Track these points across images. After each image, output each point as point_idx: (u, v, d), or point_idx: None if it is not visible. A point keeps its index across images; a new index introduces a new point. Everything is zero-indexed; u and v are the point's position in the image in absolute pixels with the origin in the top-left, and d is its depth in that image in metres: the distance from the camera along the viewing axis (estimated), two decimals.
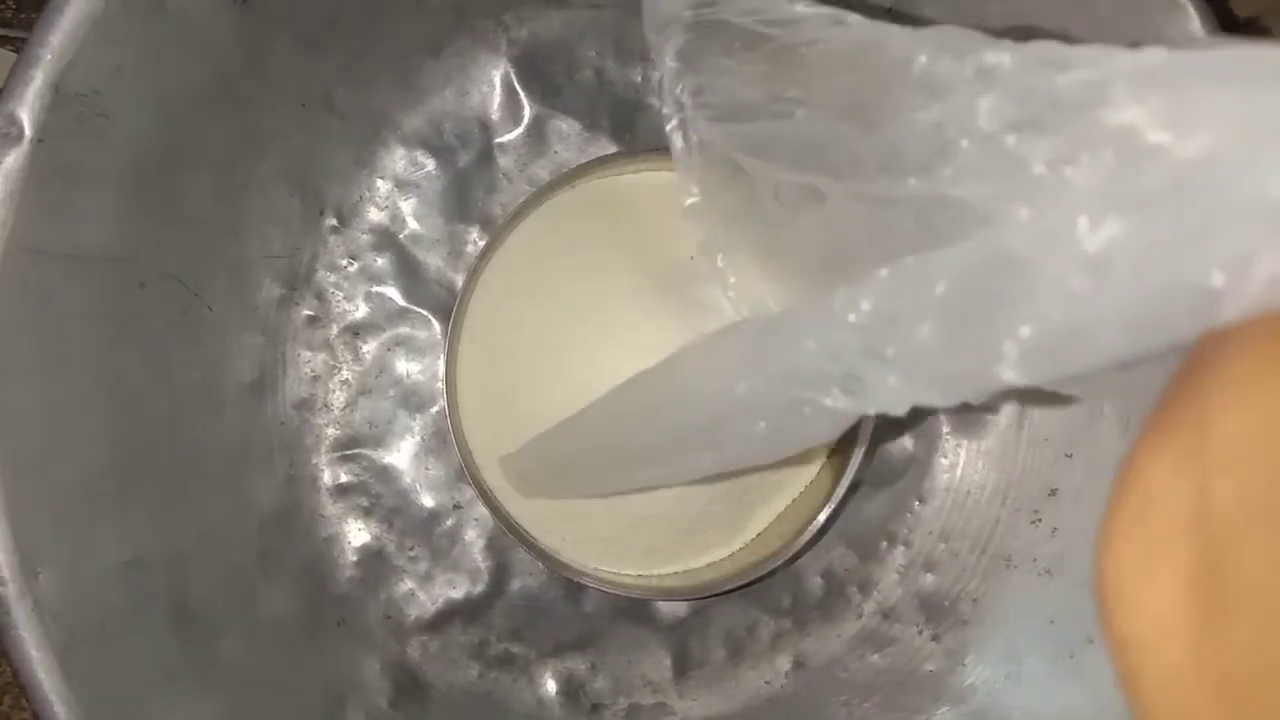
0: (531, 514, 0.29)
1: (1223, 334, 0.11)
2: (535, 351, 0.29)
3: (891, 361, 0.14)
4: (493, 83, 0.32)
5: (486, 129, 0.32)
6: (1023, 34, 0.14)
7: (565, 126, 0.32)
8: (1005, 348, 0.13)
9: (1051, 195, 0.13)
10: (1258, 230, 0.11)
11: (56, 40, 0.22)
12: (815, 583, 0.33)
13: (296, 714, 0.27)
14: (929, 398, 0.14)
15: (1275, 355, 0.11)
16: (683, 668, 0.32)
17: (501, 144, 0.32)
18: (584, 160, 0.30)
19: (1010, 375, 0.13)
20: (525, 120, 0.32)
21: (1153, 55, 0.12)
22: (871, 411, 0.15)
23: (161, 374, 0.27)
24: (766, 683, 0.32)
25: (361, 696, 0.29)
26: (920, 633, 0.32)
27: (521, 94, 0.32)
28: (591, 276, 0.29)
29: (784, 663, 0.32)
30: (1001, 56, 0.14)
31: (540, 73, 0.32)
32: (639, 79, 0.32)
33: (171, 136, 0.25)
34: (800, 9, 0.18)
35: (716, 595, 0.31)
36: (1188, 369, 0.12)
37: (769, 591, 0.32)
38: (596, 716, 0.32)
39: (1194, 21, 0.25)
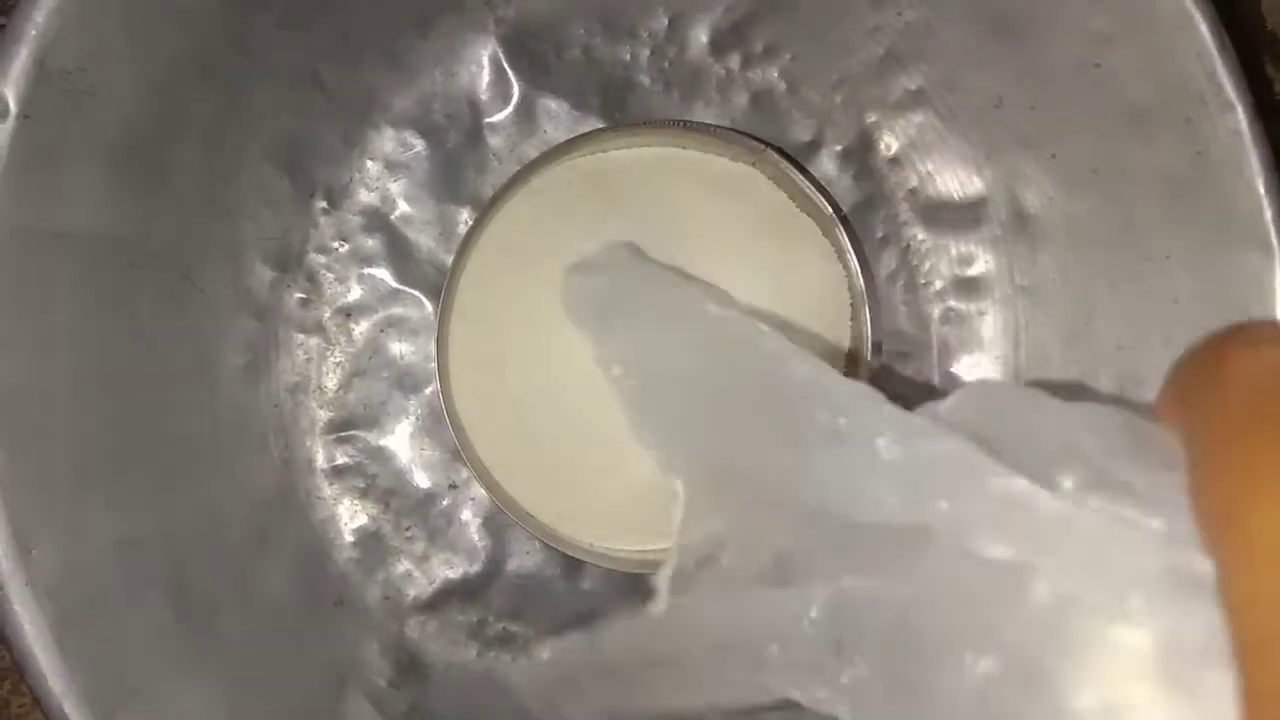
0: (528, 491, 0.29)
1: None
2: (527, 328, 0.29)
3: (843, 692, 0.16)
4: (481, 62, 0.32)
5: (475, 109, 0.32)
6: None
7: (554, 105, 0.32)
8: None
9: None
10: None
11: (41, 17, 0.22)
12: None
13: (297, 693, 0.27)
14: None
15: None
16: None
17: (491, 124, 0.32)
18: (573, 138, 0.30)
19: None
20: (514, 100, 0.32)
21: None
22: None
23: (152, 354, 0.27)
24: None
25: (361, 676, 0.29)
26: None
27: (510, 73, 0.32)
28: (582, 251, 0.29)
29: None
30: (891, 445, 0.16)
31: (528, 52, 0.32)
32: (627, 57, 0.32)
33: (158, 114, 0.25)
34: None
35: None
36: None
37: None
38: None
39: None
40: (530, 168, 0.29)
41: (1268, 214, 0.27)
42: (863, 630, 0.16)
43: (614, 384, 0.23)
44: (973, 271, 0.33)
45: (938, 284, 0.33)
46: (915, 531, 0.15)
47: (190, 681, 0.24)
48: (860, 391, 0.17)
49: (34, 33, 0.22)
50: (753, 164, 0.30)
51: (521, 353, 0.29)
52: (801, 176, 0.30)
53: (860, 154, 0.33)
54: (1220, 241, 0.27)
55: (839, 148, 0.33)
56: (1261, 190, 0.27)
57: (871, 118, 0.33)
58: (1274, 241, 0.27)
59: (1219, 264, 0.28)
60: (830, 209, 0.30)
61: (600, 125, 0.32)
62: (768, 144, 0.30)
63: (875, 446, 0.16)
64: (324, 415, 0.31)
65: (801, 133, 0.33)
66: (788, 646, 0.17)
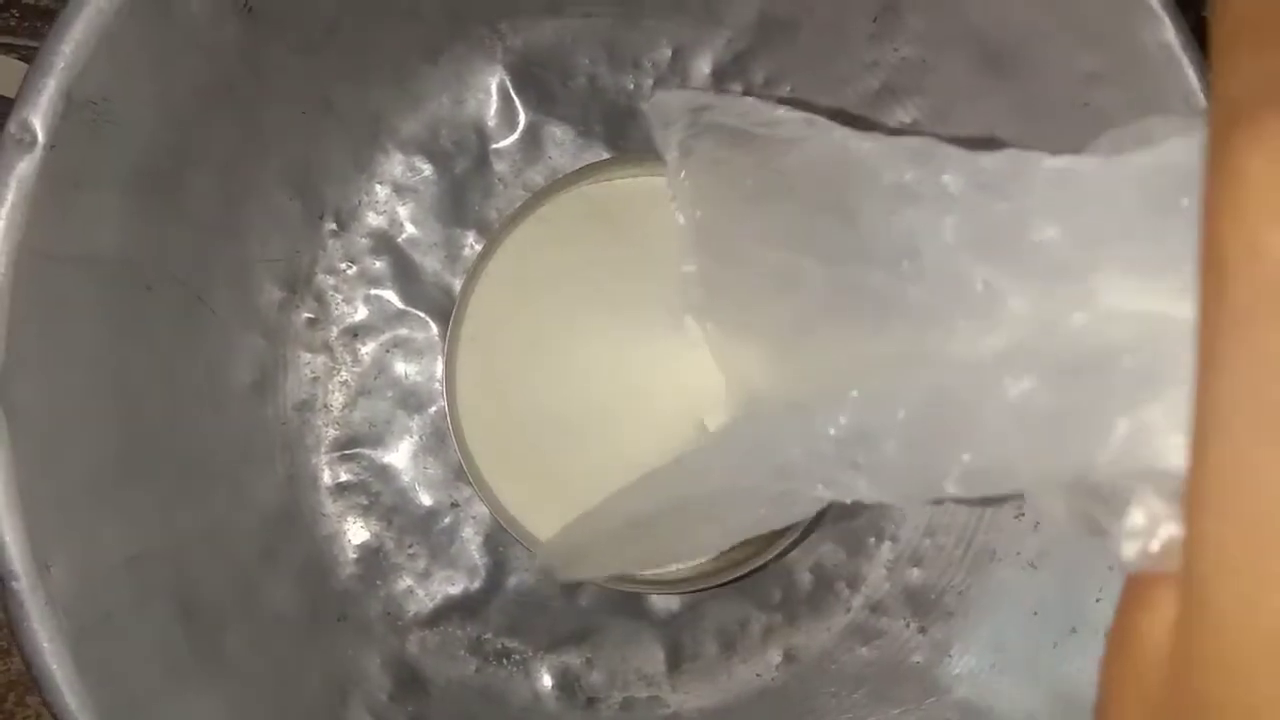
0: (530, 510, 0.30)
1: None
2: (533, 351, 0.30)
3: (862, 469, 0.18)
4: (488, 89, 0.32)
5: (482, 135, 0.33)
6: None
7: (559, 133, 0.33)
8: (951, 469, 0.16)
9: (987, 316, 0.16)
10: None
11: (68, 49, 0.22)
12: (805, 578, 0.34)
13: (301, 707, 0.28)
14: (889, 498, 0.18)
15: None
16: (676, 661, 0.33)
17: (497, 150, 0.33)
18: (578, 165, 0.31)
19: (953, 489, 0.16)
20: (520, 126, 0.33)
21: (1073, 165, 0.15)
22: (847, 500, 0.18)
23: (165, 374, 0.27)
24: (758, 675, 0.33)
25: (363, 690, 0.30)
26: (907, 625, 0.33)
27: (516, 100, 0.33)
28: (588, 278, 0.30)
29: (775, 656, 0.33)
30: (957, 179, 0.17)
31: (535, 80, 0.33)
32: (631, 86, 0.33)
33: (176, 141, 0.26)
34: (780, 113, 0.21)
35: (709, 589, 0.32)
36: None
37: (760, 587, 0.33)
38: (592, 710, 0.32)
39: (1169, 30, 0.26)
40: (537, 196, 0.30)
41: None
42: (890, 414, 0.17)
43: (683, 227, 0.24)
44: None
45: None
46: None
47: (198, 695, 0.25)
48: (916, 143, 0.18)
49: (61, 65, 0.22)
50: None
51: (527, 376, 0.30)
52: None
53: None
54: None
55: None
56: None
57: None
58: None
59: None
60: None
61: (604, 152, 0.32)
62: None
63: (942, 183, 0.17)
64: (329, 433, 0.32)
65: None
66: (813, 453, 0.18)
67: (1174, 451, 0.13)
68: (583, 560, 0.26)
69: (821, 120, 0.20)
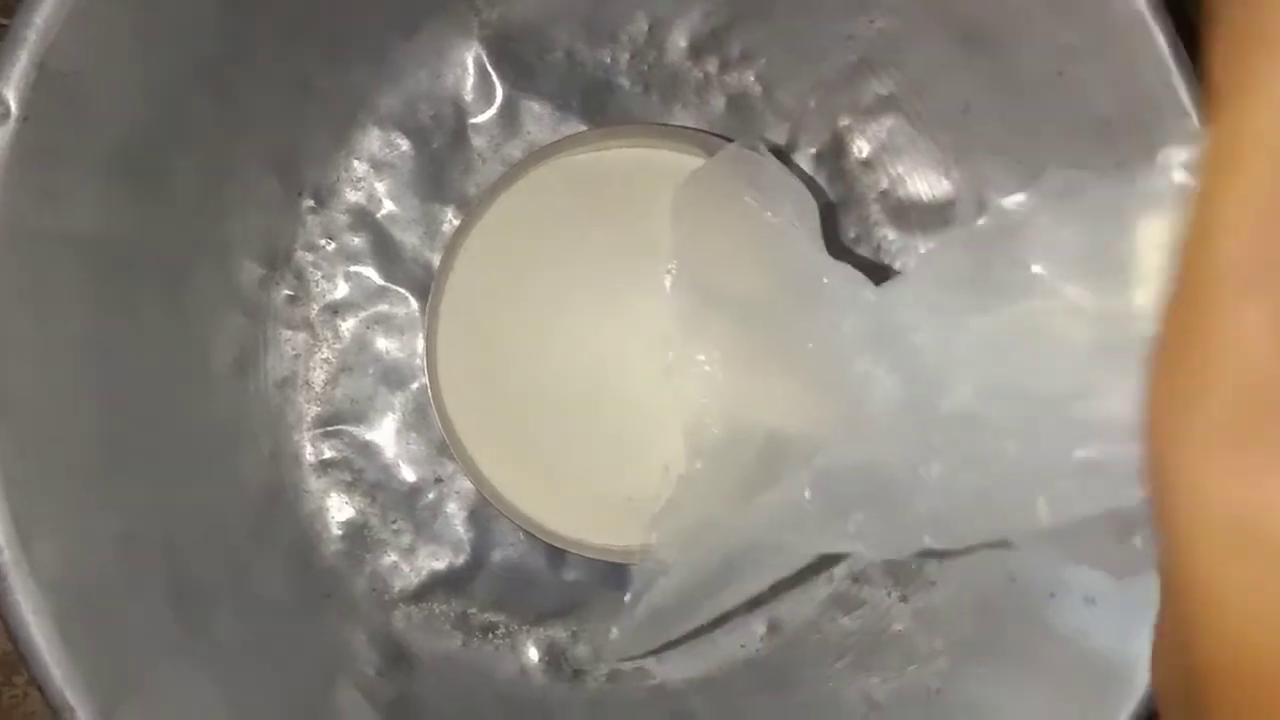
0: (514, 484, 0.30)
1: None
2: (514, 324, 0.30)
3: (854, 538, 0.21)
4: (465, 65, 0.32)
5: (460, 110, 0.33)
6: None
7: (537, 107, 0.33)
8: (919, 536, 0.20)
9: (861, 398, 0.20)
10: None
11: (41, 20, 0.22)
12: None
13: (289, 682, 0.28)
14: (884, 555, 0.22)
15: None
16: None
17: (475, 125, 0.33)
18: (556, 139, 0.31)
19: (931, 543, 0.20)
20: (498, 101, 0.33)
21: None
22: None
23: (149, 353, 0.27)
24: (742, 646, 0.33)
25: (351, 667, 0.30)
26: (889, 595, 0.33)
27: (494, 75, 0.33)
28: (569, 250, 0.30)
29: (759, 627, 0.33)
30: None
31: (512, 55, 0.33)
32: (608, 60, 0.33)
33: (155, 118, 0.26)
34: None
35: None
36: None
37: None
38: (578, 682, 0.33)
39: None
40: (516, 169, 0.30)
41: None
42: (849, 487, 0.20)
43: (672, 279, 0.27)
44: None
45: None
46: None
47: (187, 674, 0.25)
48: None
49: (34, 36, 0.22)
50: None
51: (508, 349, 0.30)
52: None
53: (833, 156, 0.34)
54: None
55: (812, 150, 0.34)
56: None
57: (844, 121, 0.34)
58: None
59: None
60: None
61: (582, 126, 0.32)
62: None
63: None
64: (312, 410, 0.32)
65: (776, 135, 0.34)
66: (799, 527, 0.21)
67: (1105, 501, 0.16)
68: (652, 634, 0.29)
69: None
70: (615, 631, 0.29)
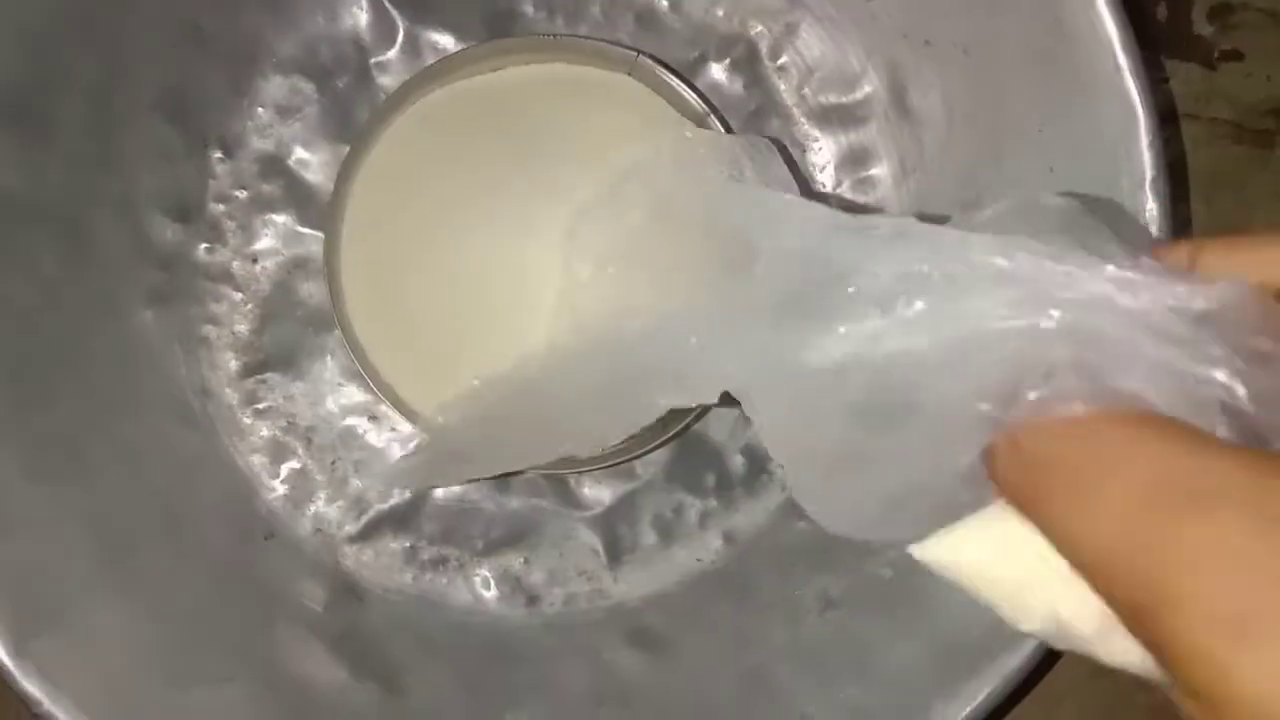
0: (429, 405, 0.30)
1: None
2: (420, 250, 0.30)
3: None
4: (361, 2, 0.32)
5: (361, 49, 0.33)
6: None
7: (439, 39, 0.33)
8: None
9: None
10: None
11: None
12: (737, 461, 0.34)
13: (229, 618, 0.28)
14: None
15: None
16: (615, 554, 0.33)
17: (379, 63, 0.33)
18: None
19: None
20: (399, 37, 0.33)
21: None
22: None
23: (56, 304, 0.27)
24: (698, 560, 0.33)
25: (294, 603, 0.30)
26: None
27: (392, 11, 0.33)
28: (471, 168, 0.30)
29: (714, 539, 0.33)
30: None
31: None
32: None
33: (36, 69, 0.26)
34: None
35: (638, 456, 0.32)
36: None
37: (692, 474, 0.33)
38: (534, 607, 0.33)
39: None
40: (405, 91, 0.30)
41: (1125, 69, 0.28)
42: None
43: None
44: (865, 168, 0.34)
45: (830, 181, 0.34)
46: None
47: (113, 606, 0.25)
48: None
49: None
50: (628, 72, 0.31)
51: (412, 269, 0.30)
52: (675, 78, 0.30)
53: (747, 64, 0.34)
54: (1085, 106, 0.28)
55: (726, 60, 0.34)
56: (1117, 48, 0.28)
57: (755, 28, 0.34)
58: (1134, 97, 0.28)
59: (1087, 129, 0.29)
60: (704, 107, 0.30)
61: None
62: (639, 51, 0.31)
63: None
64: (239, 360, 0.32)
65: (688, 49, 0.34)
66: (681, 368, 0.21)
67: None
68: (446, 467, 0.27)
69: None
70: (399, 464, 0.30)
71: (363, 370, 0.29)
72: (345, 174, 0.29)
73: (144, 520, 0.27)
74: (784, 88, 0.34)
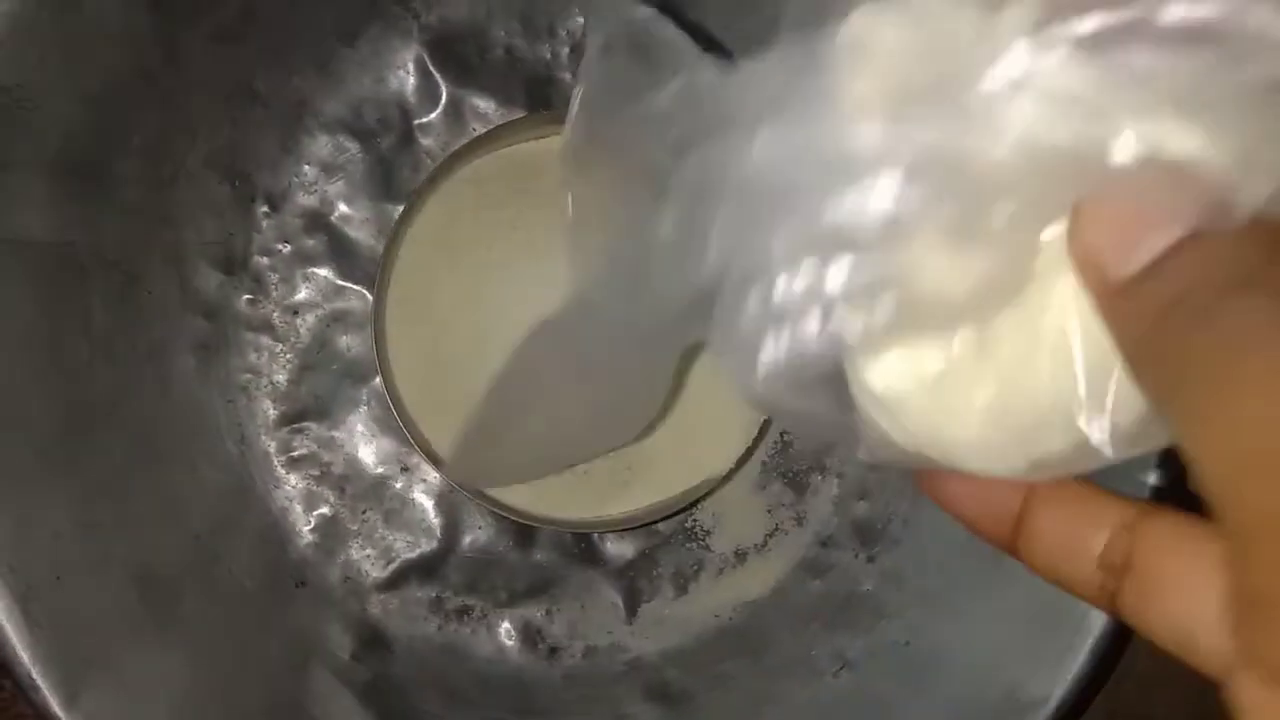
0: (476, 471, 0.31)
1: None
2: (463, 313, 0.31)
3: None
4: (407, 67, 0.34)
5: (405, 111, 0.34)
6: None
7: (481, 104, 0.34)
8: None
9: None
10: None
11: None
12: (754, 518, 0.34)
13: (261, 666, 0.29)
14: None
15: None
16: (634, 608, 0.34)
17: (422, 125, 0.34)
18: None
19: None
20: (442, 100, 0.34)
21: None
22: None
23: (105, 353, 0.28)
24: (715, 616, 0.34)
25: (324, 651, 0.31)
26: (856, 556, 0.34)
27: (437, 76, 0.34)
28: (514, 233, 0.31)
29: (731, 596, 0.34)
30: None
31: (453, 54, 0.34)
32: (548, 55, 0.34)
33: (97, 126, 0.27)
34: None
35: (654, 523, 0.33)
36: None
37: (712, 530, 0.34)
38: (555, 659, 0.33)
39: None
40: (455, 158, 0.31)
41: None
42: None
43: None
44: None
45: None
46: None
47: (155, 655, 0.26)
48: None
49: None
50: None
51: (459, 337, 0.30)
52: None
53: None
54: None
55: None
56: None
57: None
58: None
59: None
60: None
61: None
62: None
63: None
64: (277, 409, 0.33)
65: None
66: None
67: None
68: (492, 468, 0.27)
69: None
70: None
71: (401, 424, 0.30)
72: (395, 236, 0.30)
73: (184, 569, 0.28)
74: None
